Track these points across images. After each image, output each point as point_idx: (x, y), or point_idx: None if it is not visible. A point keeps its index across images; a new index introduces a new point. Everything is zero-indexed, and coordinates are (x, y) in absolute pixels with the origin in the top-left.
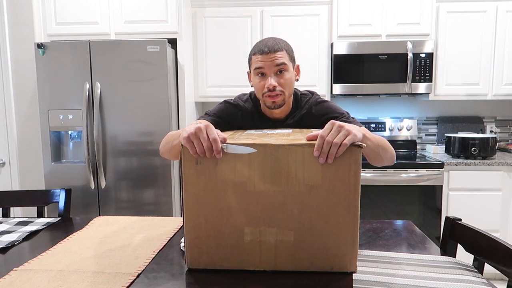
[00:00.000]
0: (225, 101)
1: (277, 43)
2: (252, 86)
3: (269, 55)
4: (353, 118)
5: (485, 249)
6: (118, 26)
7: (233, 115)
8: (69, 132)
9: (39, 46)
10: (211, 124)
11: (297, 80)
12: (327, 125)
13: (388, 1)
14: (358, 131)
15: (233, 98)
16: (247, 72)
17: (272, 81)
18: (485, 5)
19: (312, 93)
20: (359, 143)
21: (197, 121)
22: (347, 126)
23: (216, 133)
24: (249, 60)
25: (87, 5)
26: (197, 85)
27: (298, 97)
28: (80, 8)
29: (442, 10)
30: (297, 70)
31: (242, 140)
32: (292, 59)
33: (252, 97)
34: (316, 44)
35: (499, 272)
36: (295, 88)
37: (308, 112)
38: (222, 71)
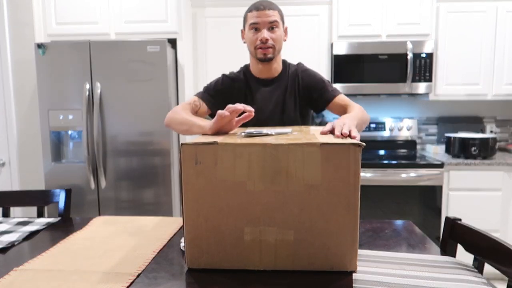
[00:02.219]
0: (222, 74)
1: (271, 3)
2: (244, 43)
3: (264, 11)
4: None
5: (485, 249)
6: (118, 26)
7: (229, 86)
8: (69, 132)
9: (39, 46)
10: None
11: (285, 40)
12: (340, 120)
13: (388, 1)
14: (353, 123)
15: (229, 72)
16: (241, 30)
17: (265, 34)
18: (485, 5)
19: (297, 63)
20: (359, 142)
21: (194, 98)
22: (347, 121)
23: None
24: (244, 17)
25: (87, 5)
26: (197, 85)
27: (286, 63)
28: (80, 8)
29: (442, 10)
30: (285, 31)
31: (241, 140)
32: (282, 20)
33: (244, 68)
34: (316, 44)
35: (499, 272)
36: (284, 59)
37: (295, 75)
38: (222, 71)
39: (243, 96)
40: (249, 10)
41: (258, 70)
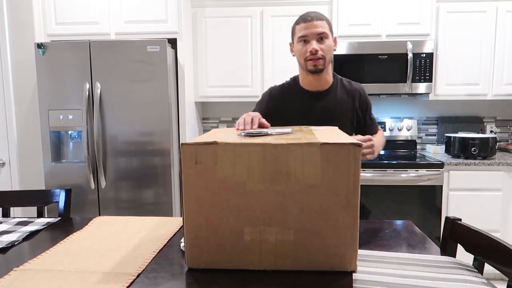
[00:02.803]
0: (270, 87)
1: (319, 13)
2: (294, 55)
3: (312, 23)
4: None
5: (485, 249)
6: (118, 26)
7: (270, 98)
8: (69, 132)
9: (39, 46)
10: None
11: (335, 50)
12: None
13: (388, 1)
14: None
15: (274, 85)
16: (290, 44)
17: (314, 45)
18: (485, 5)
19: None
20: (358, 142)
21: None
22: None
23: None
24: (292, 30)
25: (87, 5)
26: (197, 85)
27: (337, 76)
28: (80, 8)
29: (442, 10)
30: (335, 41)
31: (241, 140)
32: (331, 30)
33: (291, 81)
34: None
35: (499, 272)
36: (335, 74)
37: (354, 92)
38: (222, 71)
39: (294, 108)
40: (297, 22)
41: (308, 82)
